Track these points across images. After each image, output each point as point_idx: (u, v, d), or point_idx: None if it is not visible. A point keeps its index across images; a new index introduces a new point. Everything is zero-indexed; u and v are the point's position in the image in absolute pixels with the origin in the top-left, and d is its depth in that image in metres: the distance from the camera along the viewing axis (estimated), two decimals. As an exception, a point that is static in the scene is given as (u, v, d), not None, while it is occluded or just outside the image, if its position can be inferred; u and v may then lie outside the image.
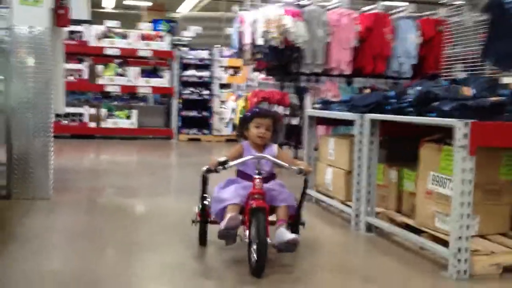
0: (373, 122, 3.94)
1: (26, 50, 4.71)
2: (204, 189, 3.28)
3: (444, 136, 3.39)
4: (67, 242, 3.63)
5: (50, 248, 3.49)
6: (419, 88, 3.61)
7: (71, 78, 10.27)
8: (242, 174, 3.22)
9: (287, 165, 3.12)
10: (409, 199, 3.87)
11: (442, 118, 3.18)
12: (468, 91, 3.42)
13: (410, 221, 3.71)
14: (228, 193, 3.08)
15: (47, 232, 3.87)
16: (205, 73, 11.44)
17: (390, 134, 4.19)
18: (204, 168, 3.11)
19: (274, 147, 3.26)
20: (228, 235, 2.96)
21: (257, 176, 2.98)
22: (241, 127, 3.33)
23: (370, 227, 3.96)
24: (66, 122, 10.23)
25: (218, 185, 3.24)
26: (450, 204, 3.10)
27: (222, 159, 3.02)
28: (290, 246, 2.96)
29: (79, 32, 10.42)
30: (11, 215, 4.22)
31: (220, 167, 3.02)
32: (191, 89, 11.39)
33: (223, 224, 2.92)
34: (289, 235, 2.95)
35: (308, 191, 5.03)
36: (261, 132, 3.18)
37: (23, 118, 4.72)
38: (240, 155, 3.17)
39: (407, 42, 7.67)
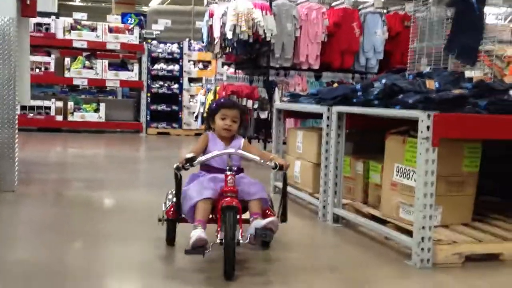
0: (340, 114, 3.99)
1: (-10, 40, 4.61)
2: (177, 188, 2.94)
3: (409, 128, 3.46)
4: (33, 233, 3.58)
5: (16, 239, 3.44)
6: (384, 81, 3.67)
7: (38, 71, 10.08)
8: (207, 167, 3.03)
9: (261, 159, 2.96)
10: (375, 190, 3.94)
11: (406, 110, 3.25)
12: (431, 84, 3.50)
13: (376, 212, 3.78)
14: (195, 189, 2.90)
15: (12, 224, 3.81)
16: (174, 67, 11.37)
17: (357, 127, 4.26)
18: (174, 166, 2.86)
19: (241, 140, 3.13)
20: (195, 253, 2.73)
21: (229, 173, 2.81)
22: (208, 119, 3.21)
23: (337, 218, 4.02)
24: (32, 115, 10.05)
25: (185, 182, 3.05)
26: (414, 195, 3.17)
27: (189, 155, 2.83)
28: (267, 232, 2.78)
29: (46, 24, 10.23)
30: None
31: (188, 164, 2.82)
32: (160, 82, 11.32)
33: (190, 242, 2.70)
34: (265, 220, 2.81)
35: (277, 183, 5.13)
36: (227, 124, 3.04)
37: (-13, 110, 4.63)
38: (206, 147, 3.05)
39: (375, 37, 7.78)
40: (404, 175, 3.41)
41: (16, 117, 4.76)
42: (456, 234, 3.38)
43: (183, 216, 2.99)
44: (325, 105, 4.14)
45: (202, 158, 2.91)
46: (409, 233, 3.26)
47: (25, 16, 5.03)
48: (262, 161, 2.92)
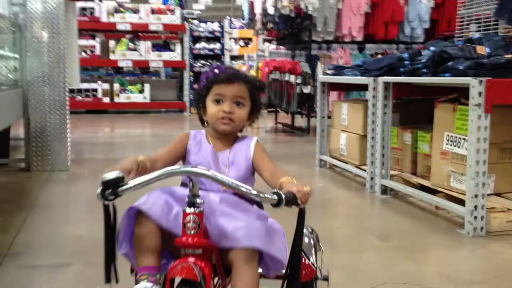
0: (387, 85, 3.93)
1: (40, 25, 4.74)
2: (106, 225, 1.45)
3: (459, 96, 3.39)
4: (86, 210, 3.70)
5: (71, 216, 3.57)
6: (433, 48, 3.59)
7: (84, 55, 10.31)
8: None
9: (259, 193, 1.37)
10: (424, 160, 3.89)
11: (456, 77, 3.18)
12: (482, 49, 3.40)
13: (425, 182, 3.74)
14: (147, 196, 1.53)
15: (67, 202, 3.96)
16: (215, 45, 11.42)
17: (404, 96, 4.19)
18: (98, 191, 1.37)
19: (251, 142, 1.68)
20: None
21: (188, 210, 1.39)
22: (198, 106, 1.74)
23: (385, 190, 4.00)
24: (80, 98, 10.32)
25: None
26: (466, 163, 3.12)
27: (111, 174, 1.35)
28: None
29: (90, 8, 10.42)
30: (31, 186, 4.32)
31: (108, 190, 1.35)
32: (202, 61, 11.41)
33: None
34: None
35: (322, 157, 5.13)
36: (225, 110, 1.63)
37: (39, 93, 4.78)
38: (179, 153, 1.67)
39: (420, 5, 7.59)
40: (455, 143, 3.35)
41: (67, 100, 4.90)
42: (510, 201, 3.30)
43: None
44: (371, 76, 4.09)
45: (134, 181, 1.37)
46: (460, 202, 3.21)
47: (72, 0, 5.13)
48: (260, 194, 1.36)
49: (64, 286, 2.39)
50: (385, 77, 3.93)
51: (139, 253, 1.50)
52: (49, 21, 4.76)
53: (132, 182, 1.36)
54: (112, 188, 1.35)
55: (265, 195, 1.35)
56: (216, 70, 1.69)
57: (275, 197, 1.36)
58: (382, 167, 3.99)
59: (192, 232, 1.38)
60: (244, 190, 1.35)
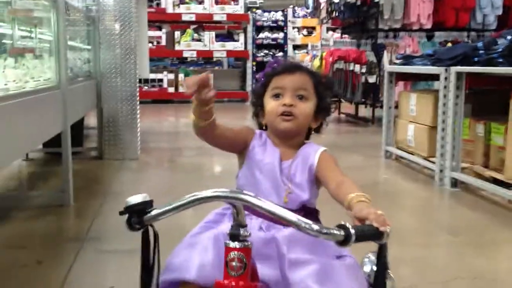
0: (459, 75, 3.82)
1: (112, 18, 4.91)
2: (144, 253, 1.18)
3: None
4: (156, 197, 3.82)
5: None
6: (510, 37, 3.45)
7: (151, 45, 10.56)
8: (252, 181, 1.40)
9: (319, 228, 0.98)
10: (498, 153, 3.76)
11: (535, 67, 3.05)
12: None
13: (498, 176, 3.62)
14: (187, 254, 1.28)
15: (137, 189, 4.09)
16: (278, 35, 11.42)
17: (476, 87, 4.06)
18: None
19: (317, 150, 1.41)
20: None
21: (232, 245, 1.06)
22: (255, 106, 1.51)
23: (455, 183, 3.90)
24: (147, 88, 10.60)
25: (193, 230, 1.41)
26: (543, 156, 3.00)
27: (138, 199, 1.11)
28: None
29: (157, 0, 10.66)
30: (104, 173, 4.50)
31: (132, 217, 1.11)
32: (265, 51, 11.44)
33: None
34: None
35: (388, 148, 5.05)
36: (285, 102, 1.39)
37: (112, 84, 4.96)
38: (238, 142, 1.44)
39: (492, -9, 7.28)
40: (532, 136, 3.22)
41: (138, 90, 5.06)
42: None
43: None
44: (443, 65, 3.98)
45: (164, 207, 1.10)
46: (537, 197, 3.09)
47: (141, -8, 5.29)
48: (323, 230, 0.97)
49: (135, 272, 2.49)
50: (458, 67, 3.82)
51: None
52: (121, 13, 4.91)
53: (160, 208, 1.08)
54: (137, 215, 1.10)
55: (330, 230, 0.97)
56: (274, 65, 1.48)
57: (342, 233, 0.97)
58: (452, 159, 3.89)
59: (237, 273, 1.05)
60: (303, 225, 0.97)
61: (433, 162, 4.15)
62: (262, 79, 1.48)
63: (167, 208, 1.09)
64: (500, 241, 2.95)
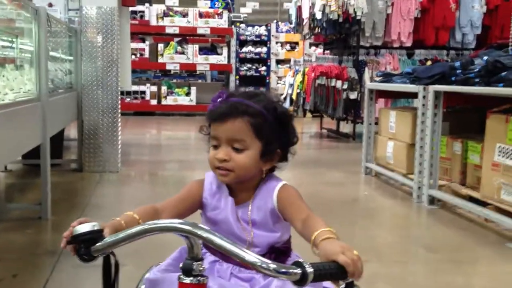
0: (437, 93, 3.89)
1: (95, 30, 4.90)
2: (105, 283, 1.11)
3: (511, 107, 3.32)
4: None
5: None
6: (486, 58, 3.53)
7: (134, 57, 10.55)
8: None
9: (276, 266, 0.89)
10: (474, 171, 3.82)
11: (510, 88, 3.12)
12: (538, 60, 3.33)
13: (475, 194, 3.68)
14: None
15: (118, 202, 4.08)
16: (262, 49, 11.49)
17: (454, 105, 4.13)
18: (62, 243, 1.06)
19: (275, 188, 1.28)
20: None
21: (185, 280, 0.98)
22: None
23: (432, 200, 3.95)
24: (129, 99, 10.56)
25: (160, 265, 1.34)
26: (518, 175, 3.05)
27: (85, 227, 1.03)
28: None
29: (141, 11, 10.66)
30: (84, 186, 4.47)
31: (81, 247, 1.02)
32: (249, 65, 11.49)
33: None
34: None
35: (368, 164, 5.08)
36: (217, 156, 1.26)
37: (93, 96, 4.95)
38: (192, 204, 1.33)
39: (472, 11, 7.44)
40: (507, 155, 3.28)
41: (119, 102, 5.05)
42: None
43: None
44: (421, 84, 4.05)
45: (113, 238, 1.01)
46: (511, 215, 3.14)
47: (125, 5, 5.28)
48: (280, 270, 0.89)
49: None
50: (436, 86, 3.88)
51: None
52: (103, 26, 4.91)
53: (107, 239, 1.02)
54: (84, 245, 1.02)
55: (288, 270, 0.89)
56: (218, 99, 1.29)
57: (298, 271, 0.89)
58: (430, 176, 3.94)
59: None
60: (259, 264, 0.89)
61: (412, 179, 4.20)
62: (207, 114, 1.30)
63: (114, 239, 1.01)
64: (477, 258, 2.99)
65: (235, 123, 1.23)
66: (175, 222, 0.97)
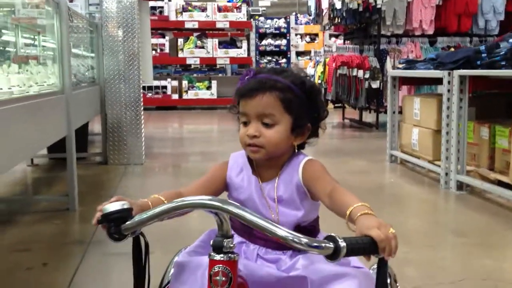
0: (462, 78, 3.82)
1: (115, 24, 4.93)
2: (135, 264, 1.12)
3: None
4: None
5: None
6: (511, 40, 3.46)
7: (154, 53, 10.60)
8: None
9: (307, 240, 0.90)
10: (503, 156, 3.75)
11: (539, 69, 3.05)
12: None
13: (504, 178, 3.61)
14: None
15: (143, 193, 4.08)
16: (281, 42, 11.45)
17: (480, 90, 4.06)
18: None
19: (300, 163, 1.27)
20: None
21: (216, 257, 0.98)
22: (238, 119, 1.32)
23: (461, 186, 3.88)
24: (150, 94, 10.63)
25: (189, 247, 1.33)
26: (549, 157, 2.99)
27: (115, 206, 1.02)
28: None
29: (160, 7, 10.71)
30: (110, 178, 4.50)
31: (111, 225, 1.01)
32: (268, 57, 11.47)
33: None
34: None
35: (393, 152, 5.03)
36: (248, 133, 1.24)
37: (116, 90, 4.98)
38: (216, 187, 1.34)
39: (495, -3, 7.30)
40: (537, 137, 3.21)
41: (141, 96, 5.07)
42: None
43: None
44: (446, 69, 3.98)
45: (143, 216, 1.01)
46: (543, 198, 3.08)
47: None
48: (312, 244, 0.90)
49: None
50: (461, 70, 3.82)
51: None
52: (124, 20, 4.93)
53: (136, 217, 1.01)
54: (114, 224, 1.01)
55: (320, 244, 0.90)
56: (246, 78, 1.27)
57: (331, 245, 0.90)
58: (457, 162, 3.88)
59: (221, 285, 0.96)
60: (291, 238, 0.89)
61: (438, 166, 4.14)
62: (235, 92, 1.29)
63: (144, 216, 1.00)
64: (507, 242, 2.94)
65: (264, 98, 1.22)
66: (205, 199, 0.96)
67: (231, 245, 0.97)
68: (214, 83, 10.96)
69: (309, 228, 1.27)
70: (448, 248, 2.85)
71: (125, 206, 1.02)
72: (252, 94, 1.23)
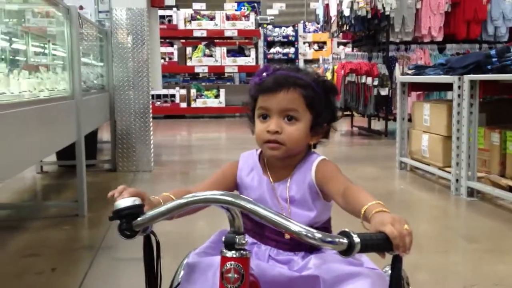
0: (473, 83, 3.79)
1: (125, 32, 4.95)
2: (147, 263, 1.11)
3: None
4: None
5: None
6: (523, 44, 3.43)
7: (163, 61, 10.65)
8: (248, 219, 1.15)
9: (321, 235, 0.90)
10: (514, 161, 3.72)
11: (551, 73, 3.03)
12: None
13: (515, 184, 3.58)
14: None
15: (152, 201, 4.09)
16: (290, 50, 11.47)
17: (490, 95, 4.03)
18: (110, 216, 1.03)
19: (313, 163, 1.27)
20: None
21: (228, 254, 0.96)
22: (248, 118, 1.35)
23: (471, 192, 3.85)
24: (159, 103, 10.66)
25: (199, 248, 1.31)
26: (562, 162, 2.95)
27: (127, 202, 1.01)
28: None
29: (169, 16, 10.76)
30: (118, 185, 4.39)
31: (122, 222, 1.00)
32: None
33: None
34: None
35: (402, 159, 4.99)
36: (269, 128, 1.23)
37: (125, 97, 4.99)
38: (227, 185, 1.32)
39: (504, 3, 7.28)
40: (549, 142, 3.18)
41: (150, 103, 5.08)
42: None
43: None
44: (456, 74, 3.96)
45: (154, 212, 1.00)
46: (556, 204, 3.04)
47: (154, 6, 5.32)
48: (326, 239, 0.90)
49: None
50: (472, 75, 3.79)
51: None
52: (133, 27, 4.96)
53: (148, 214, 1.00)
54: (126, 220, 0.99)
55: (334, 239, 0.89)
56: (264, 74, 1.26)
57: (345, 240, 0.88)
58: (468, 168, 3.84)
59: (234, 286, 0.94)
60: (305, 233, 0.89)
61: (449, 172, 4.11)
62: (251, 86, 1.28)
63: (156, 212, 0.99)
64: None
65: (288, 94, 1.22)
66: (217, 194, 0.94)
67: (243, 242, 0.95)
68: (222, 92, 10.98)
69: (321, 229, 1.21)
70: (459, 254, 2.81)
71: (137, 202, 1.01)
72: (276, 89, 1.22)
